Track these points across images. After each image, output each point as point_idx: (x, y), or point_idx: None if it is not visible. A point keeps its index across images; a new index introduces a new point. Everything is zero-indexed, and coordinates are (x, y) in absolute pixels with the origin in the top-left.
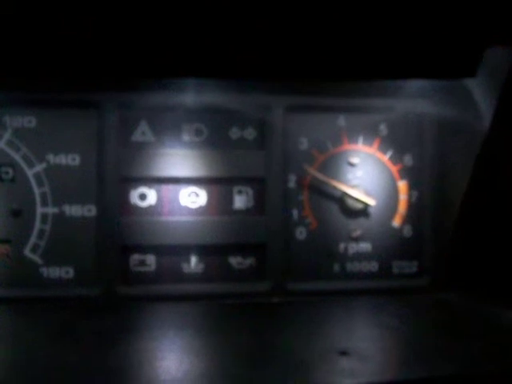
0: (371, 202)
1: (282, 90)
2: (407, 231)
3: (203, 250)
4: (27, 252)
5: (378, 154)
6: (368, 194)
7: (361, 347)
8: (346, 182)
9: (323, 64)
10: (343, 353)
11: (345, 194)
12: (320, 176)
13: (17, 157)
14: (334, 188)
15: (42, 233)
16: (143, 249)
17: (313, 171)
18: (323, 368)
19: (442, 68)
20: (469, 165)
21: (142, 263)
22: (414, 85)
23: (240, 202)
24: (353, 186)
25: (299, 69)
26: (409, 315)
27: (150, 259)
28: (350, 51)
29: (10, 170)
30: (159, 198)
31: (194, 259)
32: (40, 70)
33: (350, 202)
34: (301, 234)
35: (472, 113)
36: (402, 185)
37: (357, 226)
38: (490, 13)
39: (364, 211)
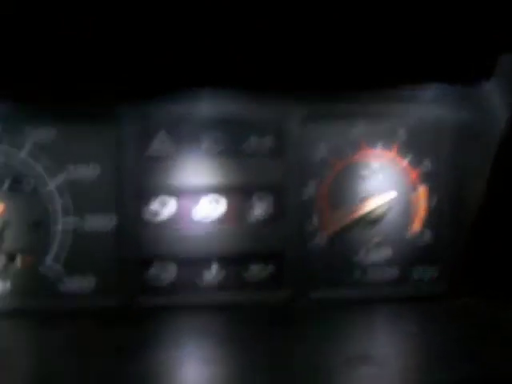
0: (390, 195)
1: (299, 99)
2: (427, 236)
3: (222, 260)
4: (48, 263)
5: (397, 160)
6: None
7: (381, 354)
8: (364, 189)
9: (340, 73)
10: (364, 360)
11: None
12: (335, 226)
13: (38, 168)
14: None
15: (62, 244)
16: (162, 260)
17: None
18: (344, 376)
19: (458, 73)
20: (487, 169)
21: (161, 274)
22: (430, 90)
23: (259, 210)
24: (371, 195)
25: (316, 78)
26: (429, 322)
27: (170, 270)
28: (367, 59)
29: (32, 181)
30: (178, 209)
31: (213, 269)
32: (60, 81)
33: (369, 215)
34: (320, 241)
35: (488, 117)
36: (421, 190)
37: (376, 233)
38: (505, 18)
39: (383, 217)
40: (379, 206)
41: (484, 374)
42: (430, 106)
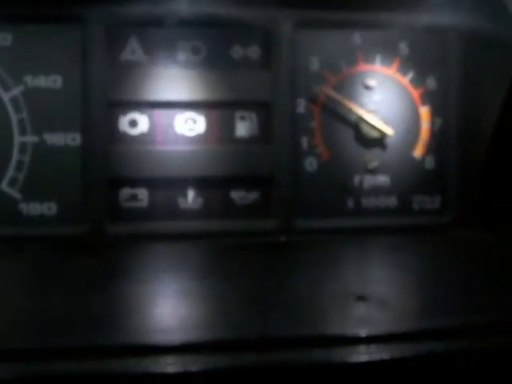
0: (389, 131)
1: (290, 3)
2: (429, 162)
3: (202, 183)
4: (4, 186)
5: (398, 76)
6: (386, 121)
7: (379, 291)
8: (361, 108)
9: None
10: (360, 298)
11: (360, 118)
12: (334, 95)
13: None
14: (349, 111)
15: (20, 164)
16: (134, 182)
17: (326, 90)
18: (338, 315)
19: None
20: (501, 87)
21: (134, 198)
22: None
23: (243, 129)
24: (369, 112)
25: None
26: (431, 255)
27: (143, 193)
28: None
29: None
30: (152, 125)
31: (191, 193)
32: None
33: (366, 129)
34: (311, 165)
35: (505, 26)
36: (424, 110)
37: (373, 157)
38: None
39: (381, 140)
40: (376, 127)
41: (491, 316)
42: (436, 14)
